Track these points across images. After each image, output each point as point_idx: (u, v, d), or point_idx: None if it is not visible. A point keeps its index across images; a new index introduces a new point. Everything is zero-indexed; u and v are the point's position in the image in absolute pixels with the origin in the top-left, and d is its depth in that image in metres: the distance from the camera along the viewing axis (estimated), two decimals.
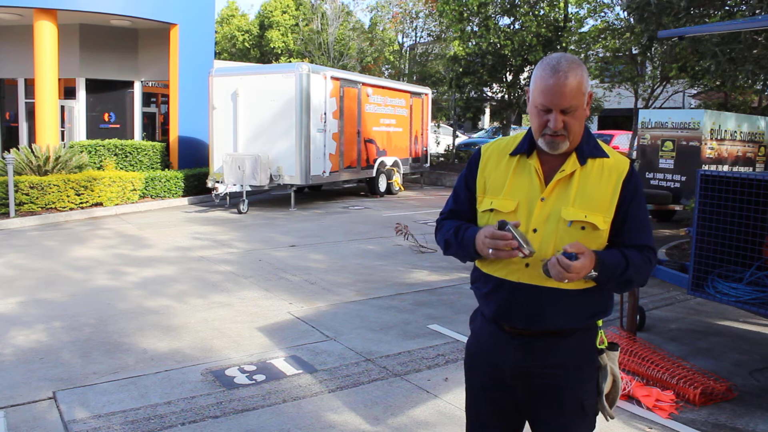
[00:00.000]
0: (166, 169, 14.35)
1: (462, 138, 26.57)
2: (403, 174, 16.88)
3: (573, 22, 17.42)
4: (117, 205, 12.06)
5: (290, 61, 26.52)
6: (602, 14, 15.47)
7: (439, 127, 24.73)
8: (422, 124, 17.87)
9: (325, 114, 13.18)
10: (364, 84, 14.87)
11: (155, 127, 18.24)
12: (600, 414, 2.03)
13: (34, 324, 5.38)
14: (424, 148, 18.14)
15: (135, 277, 7.06)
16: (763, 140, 10.95)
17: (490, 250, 1.82)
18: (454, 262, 7.19)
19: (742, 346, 5.13)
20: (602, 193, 1.89)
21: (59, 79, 13.72)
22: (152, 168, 14.24)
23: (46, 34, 12.96)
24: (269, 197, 15.04)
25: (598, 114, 23.80)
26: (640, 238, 1.93)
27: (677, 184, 9.64)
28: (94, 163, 13.35)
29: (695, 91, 17.40)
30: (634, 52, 14.68)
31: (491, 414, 2.06)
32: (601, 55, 16.05)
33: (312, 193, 16.05)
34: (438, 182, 19.21)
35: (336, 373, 4.37)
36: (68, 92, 15.94)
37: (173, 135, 15.15)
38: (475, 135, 29.35)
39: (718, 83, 12.80)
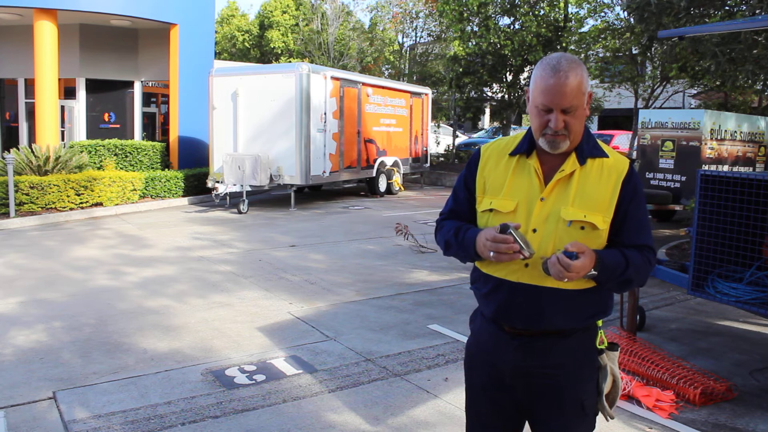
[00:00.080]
0: (166, 169, 14.35)
1: (462, 138, 26.57)
2: (403, 174, 16.88)
3: (573, 22, 17.42)
4: (117, 205, 12.06)
5: (290, 61, 26.53)
6: (602, 14, 15.47)
7: (439, 127, 24.73)
8: (422, 124, 17.87)
9: (325, 114, 13.19)
10: (364, 84, 14.87)
11: (155, 127, 18.25)
12: (600, 414, 2.03)
13: (34, 324, 5.38)
14: (424, 148, 18.14)
15: (135, 277, 7.06)
16: (763, 140, 10.95)
17: (492, 253, 1.82)
18: (454, 262, 7.19)
19: (742, 346, 5.13)
20: (602, 192, 1.89)
21: (59, 79, 13.72)
22: (152, 168, 14.24)
23: (46, 34, 12.96)
24: (269, 197, 15.04)
25: (598, 114, 23.80)
26: (640, 238, 1.93)
27: (677, 184, 9.64)
28: (94, 163, 13.35)
29: (695, 91, 17.40)
30: (634, 52, 14.68)
31: (491, 414, 2.06)
32: (601, 55, 16.05)
33: (312, 193, 16.05)
34: (438, 182, 19.22)
35: (336, 373, 4.37)
36: (68, 92, 15.95)
37: (173, 135, 15.15)
38: (475, 135, 29.35)
39: (718, 83, 12.80)
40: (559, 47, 17.63)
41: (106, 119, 16.39)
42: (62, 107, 15.34)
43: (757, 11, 9.03)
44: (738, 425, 3.68)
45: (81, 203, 11.49)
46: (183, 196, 13.67)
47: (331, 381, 4.24)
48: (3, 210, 10.60)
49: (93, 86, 16.00)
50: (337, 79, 13.68)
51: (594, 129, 25.96)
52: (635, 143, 12.09)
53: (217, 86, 13.21)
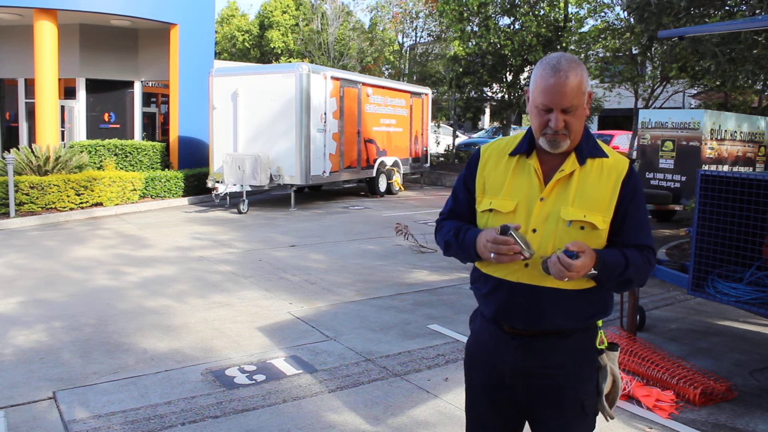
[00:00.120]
0: (166, 169, 14.35)
1: (462, 138, 26.57)
2: (403, 174, 16.88)
3: (573, 22, 17.42)
4: (117, 205, 12.06)
5: (290, 61, 26.52)
6: (602, 14, 15.47)
7: (439, 127, 24.73)
8: (422, 124, 17.87)
9: (325, 114, 13.19)
10: (364, 84, 14.87)
11: (155, 127, 18.25)
12: (600, 414, 2.03)
13: (34, 324, 5.38)
14: (424, 148, 18.14)
15: (135, 277, 7.06)
16: (763, 140, 10.95)
17: (492, 255, 1.82)
18: (454, 262, 7.19)
19: (742, 346, 5.13)
20: (601, 192, 1.89)
21: (59, 79, 13.72)
22: (152, 168, 14.24)
23: (46, 34, 12.96)
24: (269, 197, 15.04)
25: (598, 114, 23.80)
26: (640, 238, 1.93)
27: (677, 184, 9.64)
28: (94, 163, 13.35)
29: (695, 91, 17.40)
30: (634, 52, 14.68)
31: (491, 414, 2.06)
32: (601, 55, 16.05)
33: (312, 193, 16.05)
34: (438, 182, 19.22)
35: (336, 373, 4.37)
36: (68, 92, 15.95)
37: (173, 135, 15.15)
38: (475, 135, 29.35)
39: (718, 83, 12.80)
40: (559, 47, 17.62)
41: (106, 119, 16.39)
42: (62, 107, 15.34)
43: (757, 11, 9.03)
44: (738, 425, 3.68)
45: (81, 203, 11.49)
46: (183, 196, 13.67)
47: (331, 381, 4.24)
48: (3, 210, 10.60)
49: (93, 86, 16.00)
50: (337, 79, 13.68)
51: (594, 129, 25.96)
52: (635, 143, 12.09)
53: (217, 86, 13.21)
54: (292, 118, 12.62)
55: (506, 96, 20.03)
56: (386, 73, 27.78)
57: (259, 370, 4.40)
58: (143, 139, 16.67)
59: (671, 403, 3.89)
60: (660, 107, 15.39)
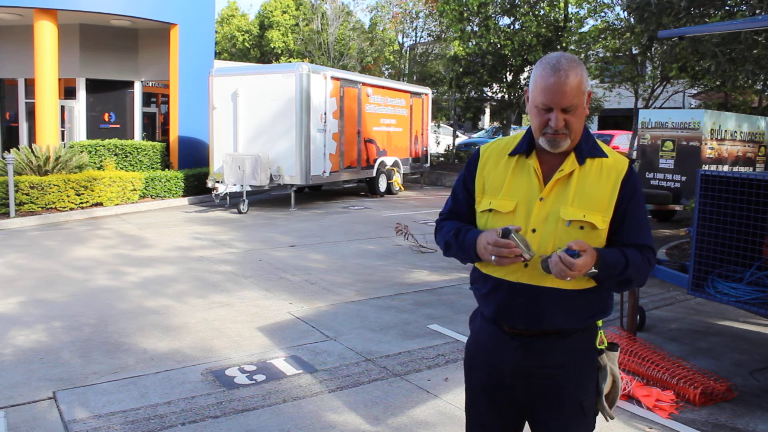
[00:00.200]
0: (166, 169, 14.35)
1: (462, 138, 26.57)
2: (403, 174, 16.88)
3: (573, 22, 17.42)
4: (117, 205, 12.06)
5: (290, 61, 26.53)
6: (602, 14, 15.47)
7: (439, 127, 24.73)
8: (422, 124, 17.87)
9: (325, 114, 13.19)
10: (364, 84, 14.87)
11: (155, 127, 18.25)
12: (600, 414, 2.03)
13: (34, 324, 5.38)
14: (424, 148, 18.14)
15: (135, 277, 7.06)
16: (763, 140, 10.94)
17: (493, 257, 1.82)
18: (454, 262, 7.19)
19: (742, 346, 5.13)
20: (601, 192, 1.89)
21: (59, 79, 13.72)
22: (152, 168, 14.24)
23: (46, 34, 12.96)
24: (269, 197, 15.04)
25: (598, 114, 23.80)
26: (639, 238, 1.93)
27: (677, 184, 9.64)
28: (94, 163, 13.35)
29: (695, 91, 17.40)
30: (634, 52, 14.68)
31: (491, 414, 2.06)
32: (601, 55, 16.05)
33: (312, 193, 16.05)
34: (438, 182, 19.22)
35: (336, 373, 4.38)
36: (68, 92, 15.95)
37: (173, 135, 15.15)
38: (475, 135, 29.35)
39: (718, 83, 12.80)
40: (559, 47, 17.62)
41: (106, 119, 16.39)
42: (62, 107, 15.34)
43: (757, 11, 9.03)
44: (738, 425, 3.68)
45: (81, 203, 11.49)
46: (183, 196, 13.67)
47: (331, 381, 4.24)
48: (3, 210, 10.60)
49: (93, 86, 16.00)
50: (337, 79, 13.68)
51: (594, 129, 25.96)
52: (635, 143, 12.09)
53: (217, 86, 13.21)
54: (292, 118, 12.62)
55: (506, 96, 20.03)
56: (386, 73, 27.78)
57: (259, 370, 4.40)
58: (143, 139, 16.67)
59: (671, 403, 3.89)
60: (660, 107, 15.39)
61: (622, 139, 19.38)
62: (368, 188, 15.63)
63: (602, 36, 14.82)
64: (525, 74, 19.42)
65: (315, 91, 12.83)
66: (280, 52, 30.43)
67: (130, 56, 16.34)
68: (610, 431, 3.58)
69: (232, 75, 13.35)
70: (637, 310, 5.05)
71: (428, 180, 19.45)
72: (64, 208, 11.20)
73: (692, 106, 20.06)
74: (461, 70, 19.26)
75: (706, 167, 9.31)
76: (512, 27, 18.68)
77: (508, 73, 19.36)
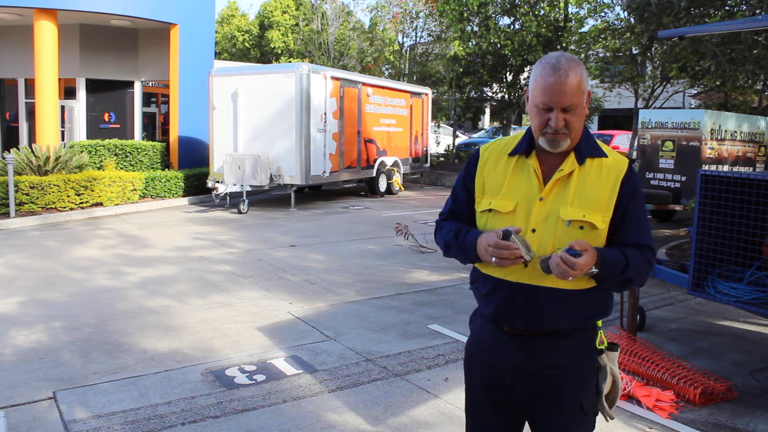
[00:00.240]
0: (166, 169, 14.35)
1: (462, 138, 26.57)
2: (403, 174, 16.88)
3: (573, 22, 17.42)
4: (117, 205, 12.06)
5: (290, 61, 26.53)
6: (602, 14, 15.47)
7: (439, 127, 24.73)
8: (422, 124, 17.87)
9: (325, 114, 13.19)
10: (364, 84, 14.87)
11: (155, 127, 18.25)
12: (600, 414, 2.03)
13: (34, 324, 5.38)
14: (424, 148, 18.14)
15: (135, 277, 7.06)
16: (763, 140, 10.94)
17: (494, 259, 1.82)
18: (453, 262, 7.19)
19: (742, 346, 5.13)
20: (601, 192, 1.89)
21: (59, 79, 13.72)
22: (152, 168, 14.24)
23: (46, 34, 12.96)
24: (269, 197, 15.04)
25: (598, 114, 23.80)
26: (639, 238, 1.93)
27: (677, 184, 9.64)
28: (94, 163, 13.36)
29: (695, 91, 17.40)
30: (634, 52, 14.68)
31: (491, 414, 2.06)
32: (601, 55, 16.05)
33: (312, 193, 16.05)
34: (438, 182, 19.22)
35: (336, 373, 4.38)
36: (68, 92, 15.95)
37: (173, 135, 15.15)
38: (475, 135, 29.35)
39: (718, 83, 12.79)
40: (559, 47, 17.62)
41: (106, 119, 16.40)
42: (62, 107, 15.34)
43: (757, 11, 9.03)
44: (738, 425, 3.68)
45: (81, 203, 11.49)
46: (183, 196, 13.67)
47: (331, 381, 4.24)
48: (3, 210, 10.60)
49: (93, 86, 16.00)
50: (337, 79, 13.68)
51: (594, 129, 25.96)
52: (635, 143, 12.09)
53: (217, 86, 13.21)
54: (292, 118, 12.62)
55: (506, 96, 20.03)
56: (386, 73, 27.78)
57: (259, 370, 4.40)
58: (143, 139, 16.67)
59: (671, 403, 3.89)
60: (660, 107, 15.39)
61: (622, 139, 19.38)
62: (368, 188, 15.63)
63: (602, 36, 14.82)
64: (525, 74, 19.43)
65: (315, 91, 12.83)
66: (280, 52, 30.43)
67: (130, 56, 16.34)
68: (610, 431, 3.58)
69: (232, 75, 13.35)
70: (637, 310, 5.05)
71: (428, 180, 19.45)
72: (64, 208, 11.20)
73: (692, 106, 20.06)
74: (461, 70, 19.26)
75: (706, 167, 9.31)
76: (512, 27, 18.68)
77: (508, 73, 19.37)
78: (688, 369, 4.23)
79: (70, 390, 4.05)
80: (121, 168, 13.65)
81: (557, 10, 18.33)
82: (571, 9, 17.91)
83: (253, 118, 12.93)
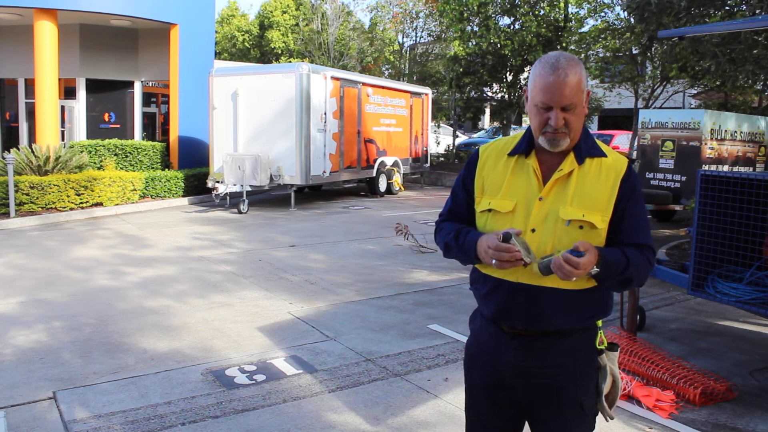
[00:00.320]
0: (166, 169, 14.35)
1: (462, 138, 26.57)
2: (403, 174, 16.88)
3: (573, 22, 17.43)
4: (117, 205, 12.06)
5: (290, 61, 26.53)
6: (602, 14, 15.47)
7: (439, 127, 24.73)
8: (422, 124, 17.87)
9: (325, 114, 13.19)
10: (364, 84, 14.87)
11: (155, 127, 18.25)
12: (600, 414, 2.03)
13: (34, 324, 5.38)
14: (424, 148, 18.14)
15: (135, 277, 7.06)
16: (763, 140, 10.94)
17: (494, 261, 1.82)
18: (453, 262, 7.16)
19: (742, 346, 5.13)
20: (600, 192, 1.89)
21: (59, 79, 13.72)
22: (152, 168, 14.25)
23: (46, 34, 12.96)
24: (269, 197, 15.04)
25: (598, 114, 23.79)
26: (639, 237, 1.92)
27: (677, 184, 9.64)
28: (94, 163, 13.36)
29: (695, 91, 17.40)
30: (634, 52, 14.68)
31: (491, 414, 2.06)
32: (601, 55, 16.05)
33: (312, 193, 16.05)
34: (438, 182, 19.22)
35: (336, 373, 4.38)
36: (68, 92, 15.95)
37: (173, 135, 15.15)
38: (475, 135, 29.35)
39: (718, 83, 12.80)
40: (559, 47, 17.62)
41: (106, 119, 16.40)
42: (62, 107, 15.34)
43: (757, 11, 9.03)
44: (738, 425, 3.68)
45: (81, 203, 11.49)
46: (183, 196, 13.67)
47: (331, 381, 4.24)
48: (3, 210, 10.60)
49: (93, 86, 16.00)
50: (337, 79, 13.68)
51: (594, 129, 25.96)
52: (635, 143, 12.09)
53: (217, 86, 13.21)
54: (292, 118, 12.62)
55: (506, 96, 20.04)
56: (386, 73, 27.78)
57: (259, 370, 4.40)
58: (143, 139, 16.67)
59: (671, 403, 3.89)
60: (660, 107, 15.39)
61: (622, 139, 19.37)
62: (368, 188, 15.63)
63: (602, 36, 14.82)
64: (525, 74, 19.42)
65: (315, 91, 12.83)
66: (280, 52, 30.43)
67: (130, 56, 16.34)
68: (610, 431, 3.58)
69: (232, 75, 13.35)
70: (637, 310, 5.05)
71: (428, 180, 19.45)
72: (64, 208, 11.20)
73: (692, 106, 20.06)
74: (461, 70, 19.26)
75: (706, 167, 9.31)
76: (512, 27, 18.68)
77: (508, 73, 19.37)
78: (688, 369, 4.23)
79: (70, 390, 4.05)
80: (121, 168, 13.65)
81: (557, 10, 18.33)
82: (571, 9, 17.92)
83: (253, 118, 12.93)
